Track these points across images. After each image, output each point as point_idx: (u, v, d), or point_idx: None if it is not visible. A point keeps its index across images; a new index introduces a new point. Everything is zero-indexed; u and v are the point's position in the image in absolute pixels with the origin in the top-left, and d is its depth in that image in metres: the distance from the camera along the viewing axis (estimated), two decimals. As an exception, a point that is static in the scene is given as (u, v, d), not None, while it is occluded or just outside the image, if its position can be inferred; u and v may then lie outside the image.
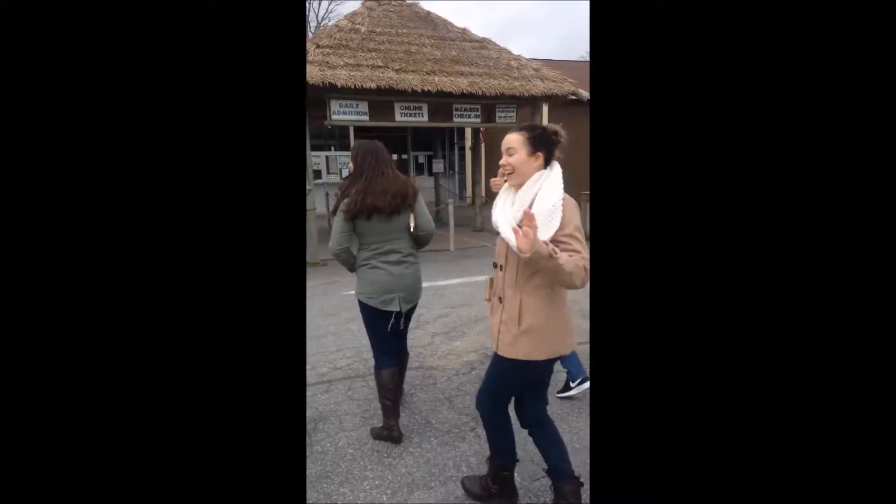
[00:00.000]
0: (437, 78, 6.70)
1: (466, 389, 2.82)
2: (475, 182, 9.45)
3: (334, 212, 2.14)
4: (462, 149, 15.16)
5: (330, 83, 6.04)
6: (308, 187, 6.44)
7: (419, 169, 15.59)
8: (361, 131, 13.92)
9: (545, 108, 7.88)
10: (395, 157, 16.75)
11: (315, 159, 13.30)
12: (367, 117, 6.78)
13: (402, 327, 2.29)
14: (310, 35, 9.16)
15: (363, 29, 7.08)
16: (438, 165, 11.13)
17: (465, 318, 4.16)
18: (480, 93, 6.78)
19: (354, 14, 7.36)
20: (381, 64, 6.61)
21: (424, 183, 13.97)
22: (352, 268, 2.25)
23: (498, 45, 7.90)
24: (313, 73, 6.01)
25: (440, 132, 13.08)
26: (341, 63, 6.37)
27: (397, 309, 2.17)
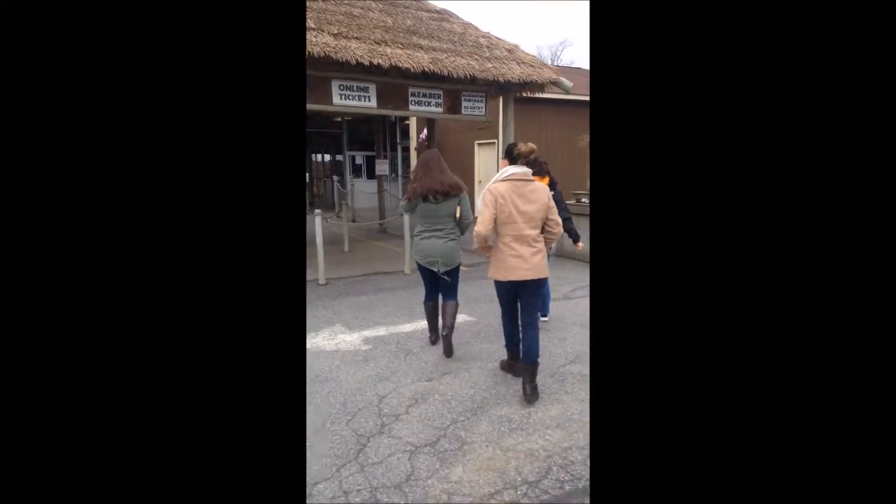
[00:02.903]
0: (389, 49, 5.10)
1: None
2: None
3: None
4: (406, 149, 13.60)
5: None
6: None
7: (356, 171, 13.78)
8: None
9: (498, 103, 6.42)
10: (327, 157, 15.04)
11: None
12: (294, 98, 5.04)
13: (448, 280, 3.21)
14: None
15: (289, -19, 5.32)
16: (382, 167, 9.44)
17: (458, 404, 2.60)
18: (446, 73, 5.27)
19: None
20: (312, 25, 4.91)
21: (364, 187, 12.20)
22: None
23: (462, 20, 6.46)
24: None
25: (381, 127, 11.39)
26: (257, 19, 4.60)
27: (436, 269, 3.15)
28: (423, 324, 3.84)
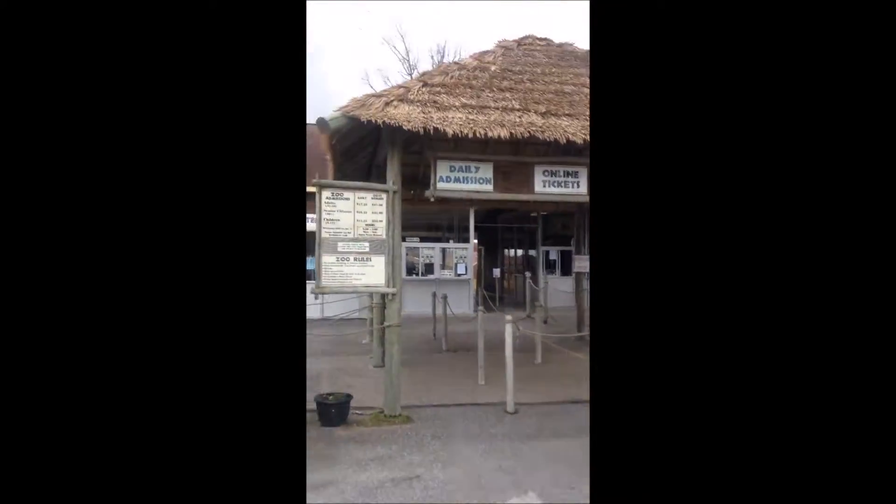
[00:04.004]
0: (607, 124, 4.16)
1: None
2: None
3: None
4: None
5: (434, 129, 3.82)
6: (392, 290, 4.05)
7: (550, 266, 12.82)
8: (483, 214, 11.71)
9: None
10: (519, 252, 14.52)
11: (428, 251, 11.34)
12: (490, 186, 4.40)
13: None
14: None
15: (494, 68, 4.97)
16: (582, 263, 8.26)
17: None
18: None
19: (484, 53, 5.33)
20: (517, 106, 4.32)
21: (558, 285, 11.06)
22: None
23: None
24: (413, 116, 3.87)
25: (581, 220, 10.34)
26: (457, 104, 4.20)
27: None
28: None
